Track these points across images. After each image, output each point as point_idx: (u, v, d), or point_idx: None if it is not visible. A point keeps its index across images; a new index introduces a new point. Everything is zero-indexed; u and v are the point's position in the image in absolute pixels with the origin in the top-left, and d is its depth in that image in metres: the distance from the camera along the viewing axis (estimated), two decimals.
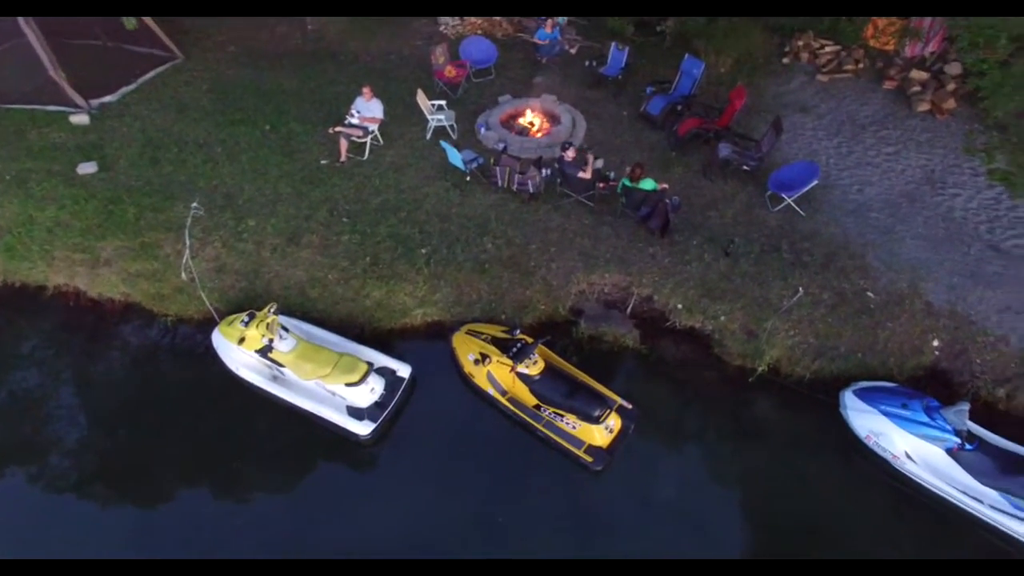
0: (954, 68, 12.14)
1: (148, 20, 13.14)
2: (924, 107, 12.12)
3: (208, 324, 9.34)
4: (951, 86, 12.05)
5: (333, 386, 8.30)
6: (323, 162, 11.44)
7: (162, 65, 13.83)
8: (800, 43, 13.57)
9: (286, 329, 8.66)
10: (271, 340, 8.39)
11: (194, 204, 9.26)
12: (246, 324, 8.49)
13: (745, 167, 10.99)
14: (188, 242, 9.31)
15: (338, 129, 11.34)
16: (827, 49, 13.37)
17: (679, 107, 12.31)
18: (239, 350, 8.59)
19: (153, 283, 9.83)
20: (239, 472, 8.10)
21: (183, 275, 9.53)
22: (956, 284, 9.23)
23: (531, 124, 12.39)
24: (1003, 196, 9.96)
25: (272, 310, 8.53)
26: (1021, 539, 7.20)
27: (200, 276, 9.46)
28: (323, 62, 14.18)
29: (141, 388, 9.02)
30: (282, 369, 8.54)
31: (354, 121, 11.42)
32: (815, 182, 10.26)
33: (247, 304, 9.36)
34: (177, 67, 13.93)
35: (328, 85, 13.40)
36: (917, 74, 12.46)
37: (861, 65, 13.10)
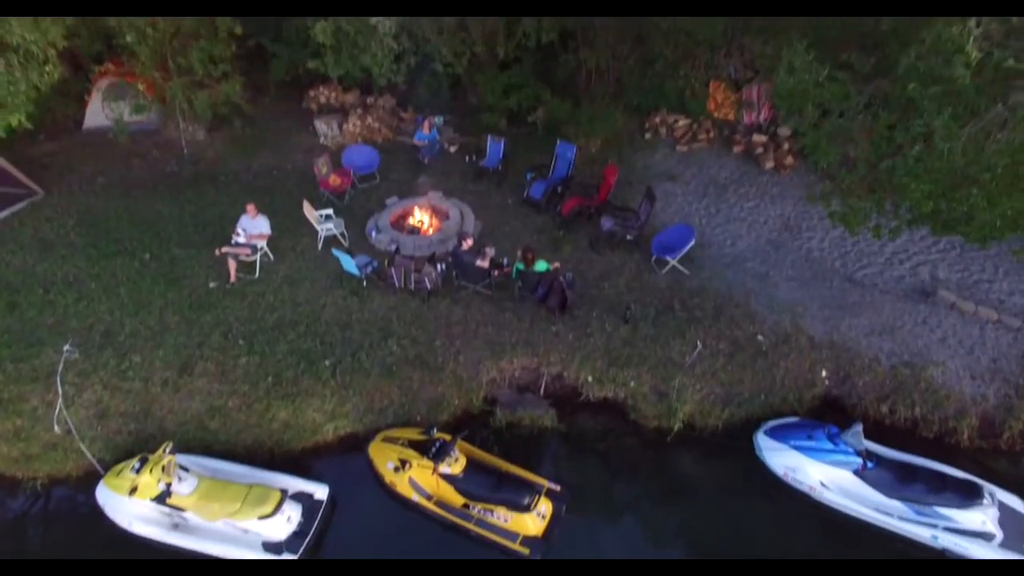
0: (785, 131, 13.93)
1: None
2: (769, 165, 13.67)
3: (92, 479, 8.38)
4: (786, 146, 13.77)
5: (245, 522, 7.64)
6: (212, 285, 11.02)
7: (17, 203, 12.95)
8: (657, 120, 15.01)
9: (185, 469, 7.97)
10: (168, 484, 7.67)
11: (67, 347, 8.56)
12: (137, 471, 7.72)
13: (628, 236, 11.72)
14: (60, 390, 8.51)
15: (225, 250, 11.05)
16: (680, 123, 14.87)
17: (559, 189, 13.08)
18: (131, 502, 7.75)
19: (16, 444, 8.76)
20: None
21: (56, 428, 8.63)
22: (828, 316, 10.12)
23: (421, 222, 12.65)
24: (845, 234, 11.22)
25: (168, 450, 7.85)
26: (931, 544, 7.65)
27: (78, 425, 8.61)
28: (203, 185, 13.94)
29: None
30: (184, 514, 7.79)
31: (241, 240, 11.20)
32: (693, 242, 11.10)
33: (138, 448, 8.55)
34: (37, 204, 13.16)
35: (210, 207, 13.12)
36: (758, 138, 14.13)
37: (711, 134, 14.65)
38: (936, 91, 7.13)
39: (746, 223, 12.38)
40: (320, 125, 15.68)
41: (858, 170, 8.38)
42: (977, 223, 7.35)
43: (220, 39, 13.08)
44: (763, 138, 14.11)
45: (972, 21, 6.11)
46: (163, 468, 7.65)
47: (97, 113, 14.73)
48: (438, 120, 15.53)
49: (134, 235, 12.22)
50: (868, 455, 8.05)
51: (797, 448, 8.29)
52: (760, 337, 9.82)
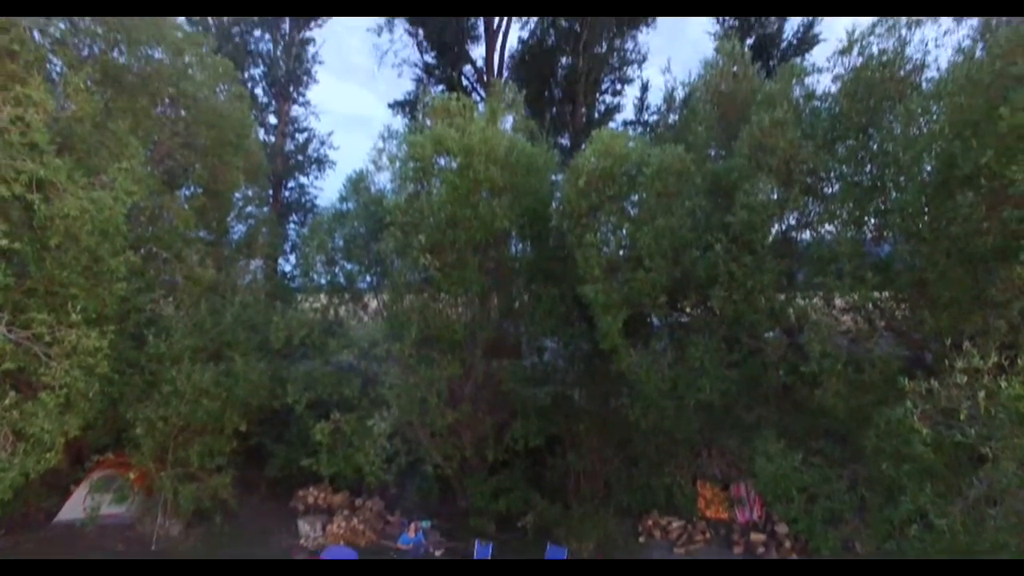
0: (782, 527, 13.52)
1: None
2: None
3: None
4: (787, 543, 13.17)
5: None
6: None
7: None
8: (650, 522, 14.63)
9: None
10: None
11: None
12: None
13: None
14: None
15: None
16: (674, 525, 14.46)
17: None
18: None
19: None
20: None
21: None
22: None
23: None
24: None
25: None
26: None
27: None
28: None
29: None
30: None
31: None
32: None
33: None
34: None
35: None
36: (756, 536, 13.63)
37: (708, 535, 14.11)
38: (909, 469, 7.38)
39: None
40: (303, 525, 15.12)
41: (865, 554, 7.94)
42: None
43: (225, 435, 13.79)
44: (761, 536, 13.58)
45: (909, 403, 6.79)
46: None
47: (76, 506, 14.35)
48: (424, 524, 15.13)
49: None
50: None
51: None
52: None
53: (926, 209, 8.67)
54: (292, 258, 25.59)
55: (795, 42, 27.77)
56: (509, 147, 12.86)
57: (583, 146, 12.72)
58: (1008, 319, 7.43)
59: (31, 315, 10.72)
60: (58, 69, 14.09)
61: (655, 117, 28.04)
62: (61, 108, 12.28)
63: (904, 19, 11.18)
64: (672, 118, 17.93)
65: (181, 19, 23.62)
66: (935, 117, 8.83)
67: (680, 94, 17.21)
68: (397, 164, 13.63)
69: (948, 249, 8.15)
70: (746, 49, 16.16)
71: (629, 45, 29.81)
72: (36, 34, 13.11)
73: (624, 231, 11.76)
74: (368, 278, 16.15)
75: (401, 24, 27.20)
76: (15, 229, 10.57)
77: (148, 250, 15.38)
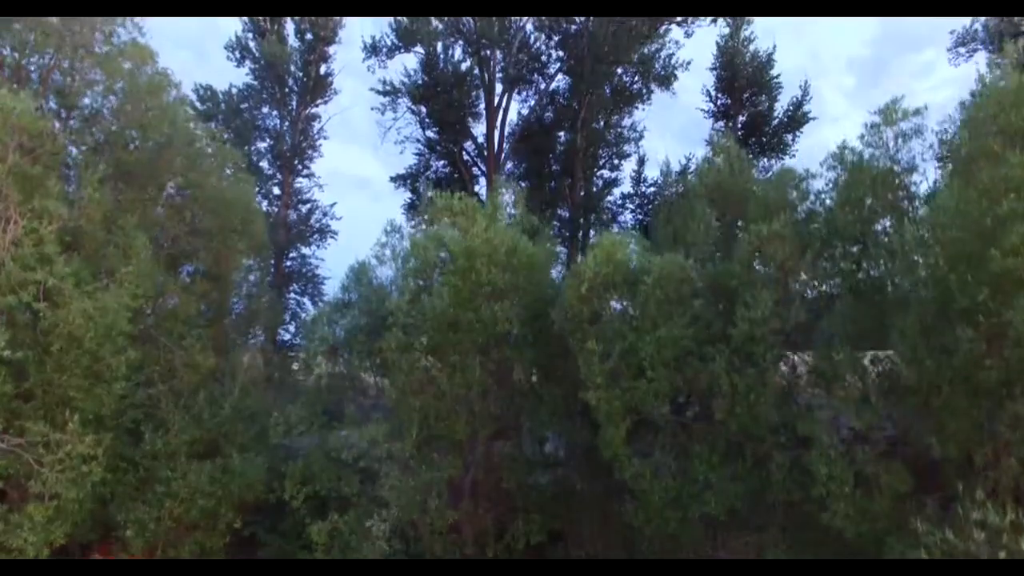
0: None
1: None
2: None
3: None
4: None
5: None
6: None
7: None
8: None
9: None
10: None
11: None
12: None
13: None
14: None
15: None
16: None
17: None
18: None
19: None
20: None
21: None
22: None
23: None
24: None
25: None
26: None
27: None
28: None
29: None
30: None
31: None
32: None
33: None
34: None
35: None
36: None
37: None
38: None
39: None
40: None
41: None
42: None
43: (218, 531, 13.38)
44: None
45: (924, 552, 6.62)
46: None
47: None
48: None
49: None
50: None
51: None
52: None
53: (926, 337, 8.72)
54: (292, 327, 25.71)
55: (786, 120, 28.53)
56: (511, 248, 13.01)
57: (584, 239, 12.92)
58: (1019, 458, 7.38)
59: (26, 422, 10.56)
60: (73, 153, 14.36)
61: (652, 189, 28.60)
62: (71, 196, 12.40)
63: (891, 132, 11.62)
64: (669, 191, 18.71)
65: (192, 96, 24.33)
66: (929, 245, 8.95)
67: (675, 171, 17.85)
68: (399, 262, 13.76)
69: (952, 379, 8.17)
70: (738, 124, 16.75)
71: (626, 121, 30.66)
72: (56, 124, 13.46)
73: (626, 339, 11.76)
74: (369, 367, 16.04)
75: (404, 102, 27.98)
76: (18, 336, 10.54)
77: (148, 336, 15.26)
